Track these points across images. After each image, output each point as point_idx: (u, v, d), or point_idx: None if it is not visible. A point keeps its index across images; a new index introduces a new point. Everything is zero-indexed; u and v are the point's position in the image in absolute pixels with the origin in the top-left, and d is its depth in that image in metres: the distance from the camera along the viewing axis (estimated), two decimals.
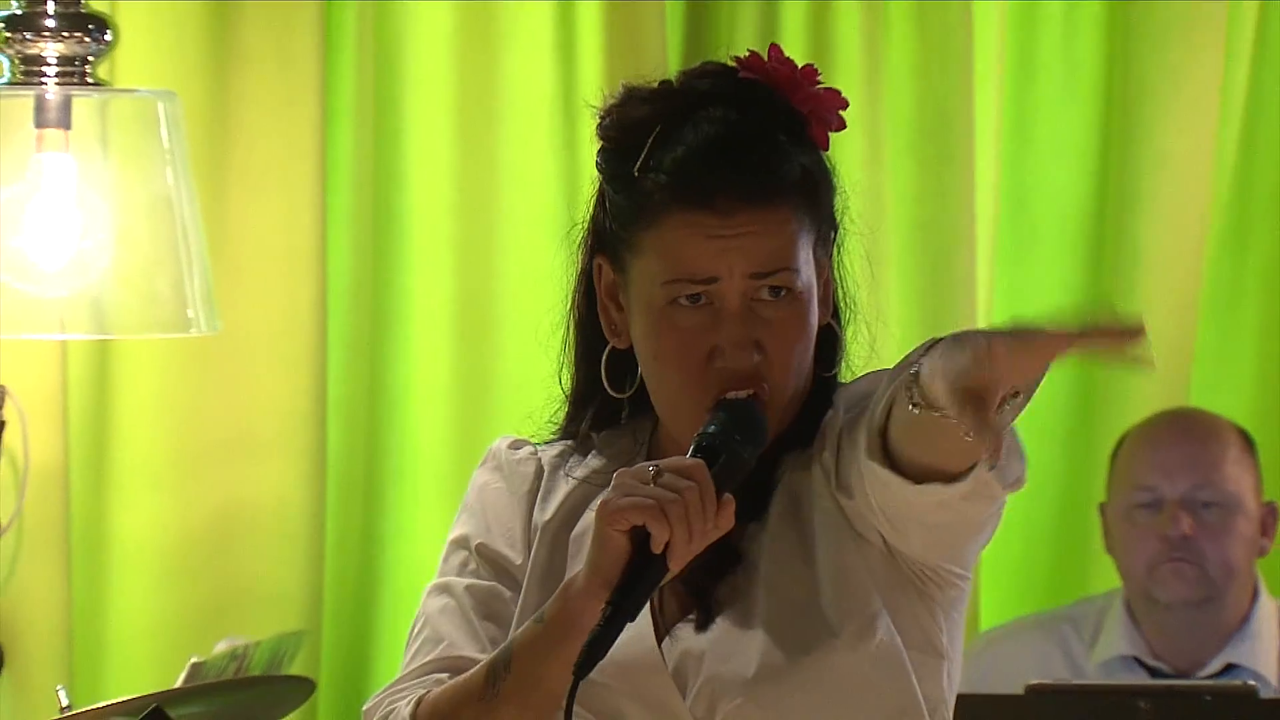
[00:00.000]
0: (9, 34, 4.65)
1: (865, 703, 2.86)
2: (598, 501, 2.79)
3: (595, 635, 2.68)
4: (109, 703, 3.87)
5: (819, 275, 2.87)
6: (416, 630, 2.93)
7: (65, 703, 4.35)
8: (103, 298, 4.64)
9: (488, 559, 2.94)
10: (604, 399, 2.96)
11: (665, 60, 5.19)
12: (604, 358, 2.94)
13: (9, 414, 4.88)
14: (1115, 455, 4.90)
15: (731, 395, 2.79)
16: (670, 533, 2.67)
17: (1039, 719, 4.10)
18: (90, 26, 4.63)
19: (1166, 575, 4.75)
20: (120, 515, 5.07)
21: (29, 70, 4.65)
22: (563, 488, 2.97)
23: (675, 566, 2.69)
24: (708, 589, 2.88)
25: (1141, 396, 5.18)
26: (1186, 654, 4.79)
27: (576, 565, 2.85)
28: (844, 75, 5.19)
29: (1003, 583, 5.32)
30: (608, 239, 2.91)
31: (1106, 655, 4.82)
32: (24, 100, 4.62)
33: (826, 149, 2.89)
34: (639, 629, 2.82)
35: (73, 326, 4.69)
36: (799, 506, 2.90)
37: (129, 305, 4.68)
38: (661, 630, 2.89)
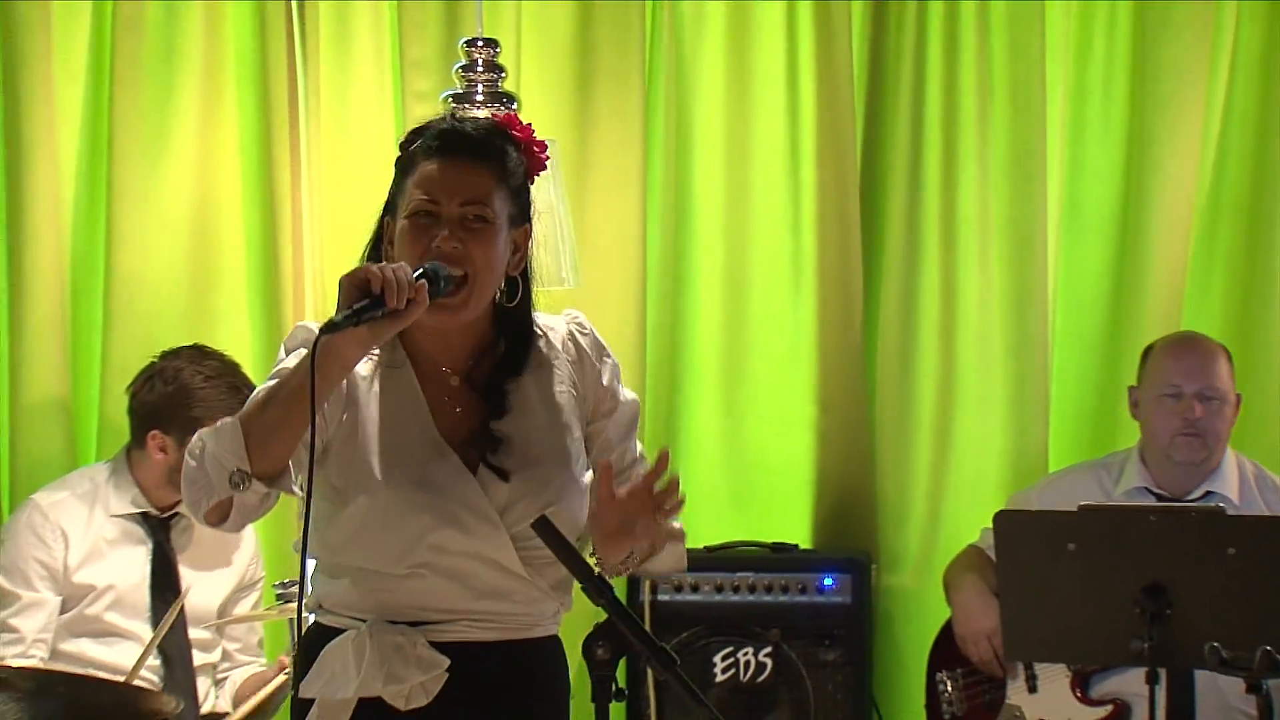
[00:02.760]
0: (454, 104, 4.64)
1: (574, 514, 2.97)
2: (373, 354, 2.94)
3: (331, 320, 2.73)
4: None
5: (513, 242, 2.96)
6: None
7: None
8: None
9: None
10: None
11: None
12: None
13: None
14: (1147, 356, 4.76)
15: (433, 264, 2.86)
16: (381, 280, 2.73)
17: (1087, 527, 3.99)
18: (504, 99, 4.62)
19: (1180, 444, 4.63)
20: None
21: None
22: None
23: (390, 302, 2.74)
24: (488, 427, 2.95)
25: (1149, 328, 5.07)
26: (1180, 485, 4.69)
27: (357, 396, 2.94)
28: (965, 123, 5.15)
29: (1063, 441, 5.24)
30: (389, 204, 2.99)
31: (1128, 486, 4.72)
32: None
33: (536, 171, 3.02)
34: (458, 470, 2.92)
35: None
36: (546, 385, 3.01)
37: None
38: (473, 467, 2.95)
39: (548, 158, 3.04)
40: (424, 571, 2.91)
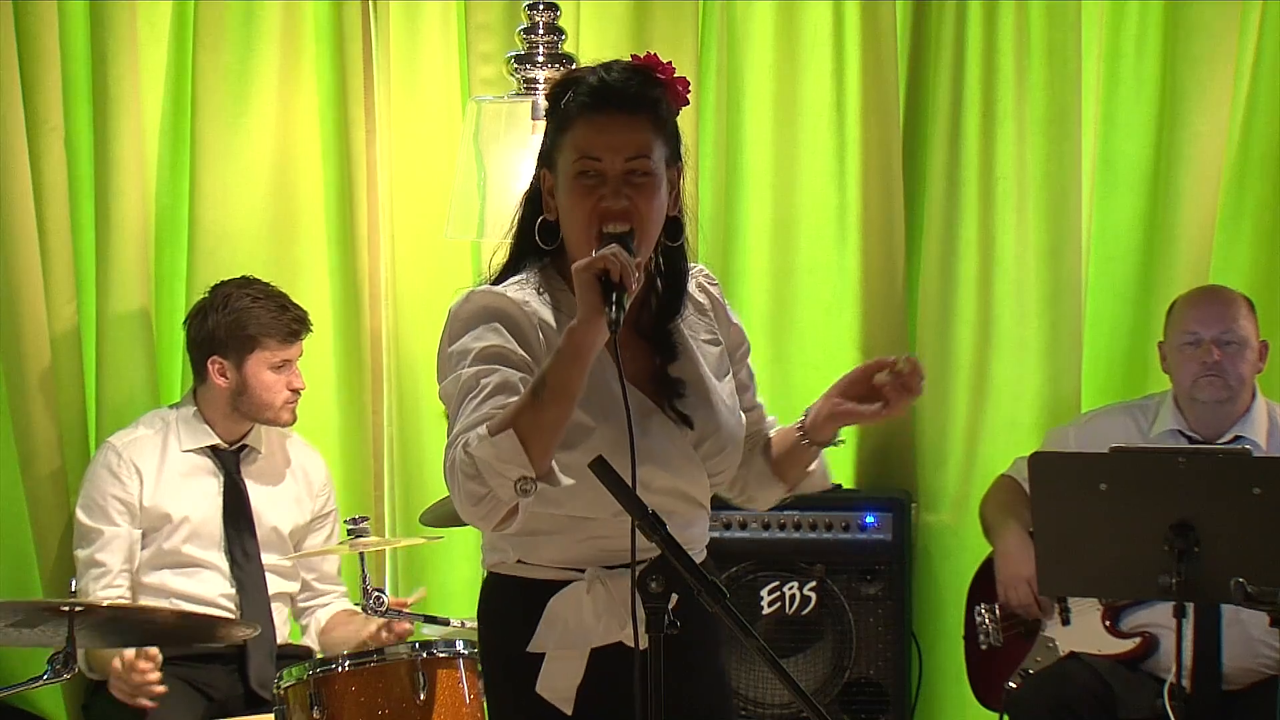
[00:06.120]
0: (516, 65, 4.63)
1: (738, 451, 2.98)
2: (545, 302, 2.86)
3: (613, 319, 2.66)
4: None
5: (669, 183, 2.86)
6: (471, 393, 2.77)
7: None
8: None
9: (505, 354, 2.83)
10: (523, 257, 2.90)
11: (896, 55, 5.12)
12: (537, 225, 2.88)
13: None
14: (1171, 311, 4.73)
15: (611, 229, 2.77)
16: (619, 267, 2.66)
17: (1119, 469, 3.96)
18: (563, 60, 4.60)
19: (1203, 385, 4.59)
20: None
21: (527, 87, 4.62)
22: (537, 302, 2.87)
23: (629, 285, 2.68)
24: (666, 371, 2.90)
25: (1180, 278, 5.01)
26: (1210, 428, 4.64)
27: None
28: (1003, 83, 5.08)
29: (1095, 386, 5.19)
30: (545, 157, 2.88)
31: (1161, 429, 4.68)
32: (525, 104, 4.59)
33: (680, 106, 2.89)
34: (653, 411, 2.86)
35: None
36: (695, 330, 2.97)
37: None
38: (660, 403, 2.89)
39: (689, 92, 2.92)
40: None
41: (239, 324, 4.47)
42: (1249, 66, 5.08)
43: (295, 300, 4.62)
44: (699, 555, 2.96)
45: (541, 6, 4.59)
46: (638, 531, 2.68)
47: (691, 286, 2.99)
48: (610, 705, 2.81)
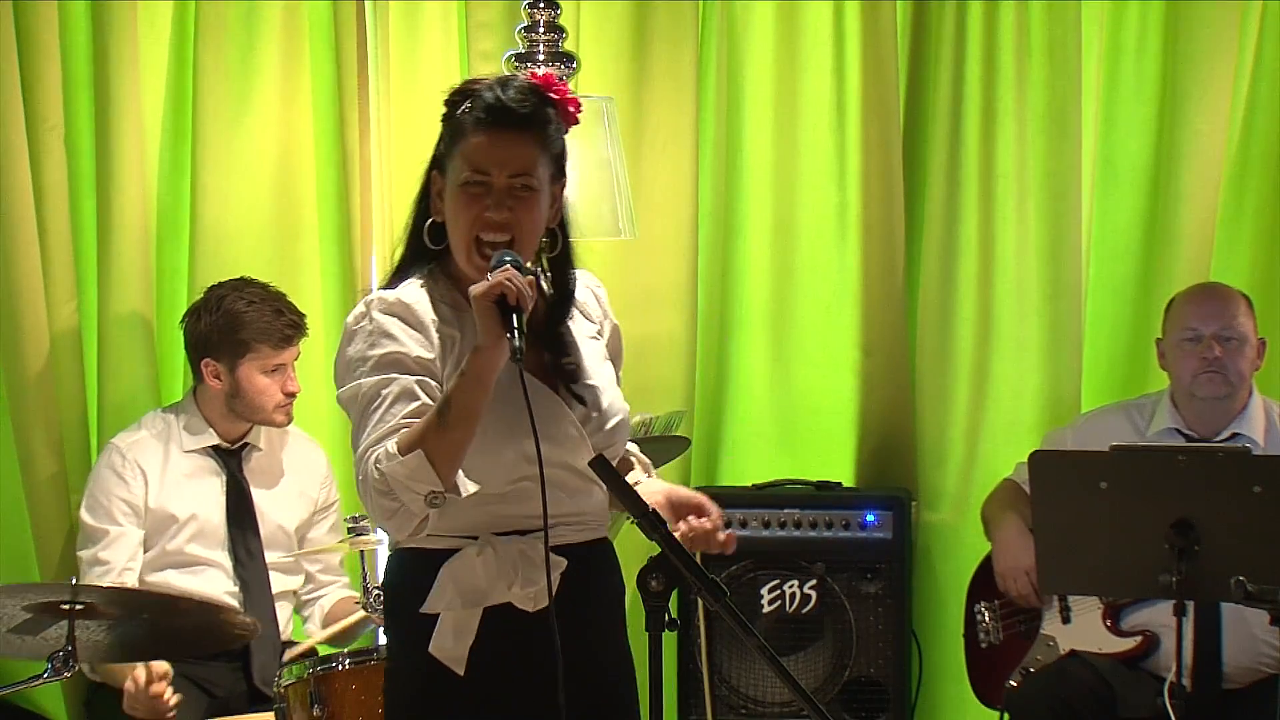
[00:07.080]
0: (517, 64, 4.62)
1: (624, 432, 3.11)
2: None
3: (515, 346, 2.78)
4: None
5: (552, 195, 3.01)
6: (373, 404, 2.91)
7: None
8: (574, 215, 4.57)
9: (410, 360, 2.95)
10: (417, 257, 3.04)
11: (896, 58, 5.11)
12: (426, 226, 3.03)
13: None
14: (1169, 308, 4.73)
15: (490, 238, 2.93)
16: (515, 291, 2.80)
17: (1119, 467, 3.95)
18: (564, 59, 4.59)
19: (1203, 381, 4.59)
20: None
21: None
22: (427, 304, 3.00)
23: (525, 306, 2.81)
24: (560, 362, 3.03)
25: (1179, 278, 5.00)
26: (1208, 426, 4.64)
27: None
28: (1003, 82, 5.09)
29: (1095, 384, 5.19)
30: (438, 160, 3.03)
31: (1159, 428, 4.68)
32: None
33: (570, 126, 3.04)
34: (543, 392, 2.98)
35: None
36: (583, 327, 3.12)
37: (587, 220, 4.62)
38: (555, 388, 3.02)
39: (580, 113, 3.05)
40: (527, 484, 2.91)
41: (231, 327, 4.46)
42: (1249, 66, 5.08)
43: (296, 299, 4.61)
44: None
45: (542, 5, 4.58)
46: (547, 507, 2.84)
47: (580, 289, 3.15)
48: (503, 667, 2.93)
